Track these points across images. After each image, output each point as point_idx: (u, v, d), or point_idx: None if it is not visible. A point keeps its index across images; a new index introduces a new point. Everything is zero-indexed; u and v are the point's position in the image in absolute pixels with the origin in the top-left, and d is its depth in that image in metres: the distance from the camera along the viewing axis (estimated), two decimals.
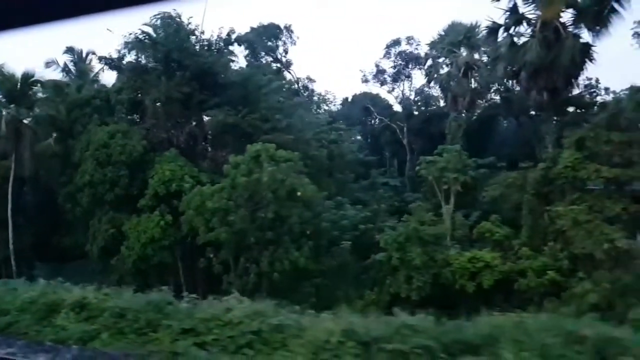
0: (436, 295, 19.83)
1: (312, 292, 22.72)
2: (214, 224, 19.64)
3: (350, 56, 77.35)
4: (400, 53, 52.04)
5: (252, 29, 43.85)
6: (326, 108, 50.35)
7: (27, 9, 1.80)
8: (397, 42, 51.48)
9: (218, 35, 27.10)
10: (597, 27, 20.89)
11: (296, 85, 45.97)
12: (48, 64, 33.84)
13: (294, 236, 22.34)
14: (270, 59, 44.63)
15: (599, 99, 29.83)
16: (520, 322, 6.50)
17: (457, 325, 6.90)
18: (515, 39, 22.93)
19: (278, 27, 44.82)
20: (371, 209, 26.95)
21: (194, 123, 25.31)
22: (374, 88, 56.06)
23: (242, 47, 43.74)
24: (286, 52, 45.82)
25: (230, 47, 29.92)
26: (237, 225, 19.78)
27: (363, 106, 54.85)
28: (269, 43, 45.05)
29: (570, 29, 22.32)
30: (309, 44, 65.71)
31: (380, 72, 53.48)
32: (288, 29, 44.96)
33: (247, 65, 42.14)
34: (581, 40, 22.23)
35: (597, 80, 30.96)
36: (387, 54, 52.27)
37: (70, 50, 35.93)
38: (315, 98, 49.89)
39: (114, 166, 23.43)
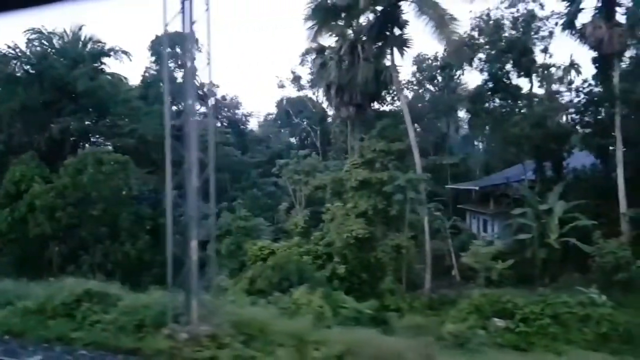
0: (278, 277, 23.38)
1: (151, 281, 26.00)
2: (40, 220, 22.56)
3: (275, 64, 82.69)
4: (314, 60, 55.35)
5: (157, 36, 46.61)
6: (237, 111, 53.51)
7: None
8: (310, 51, 54.87)
9: (80, 49, 29.97)
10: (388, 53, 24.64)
11: (200, 91, 48.80)
12: None
13: (133, 231, 25.46)
14: (175, 65, 47.25)
15: None
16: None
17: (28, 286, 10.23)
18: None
19: (182, 34, 47.23)
20: (219, 207, 30.15)
21: (55, 129, 27.97)
22: (292, 93, 59.03)
23: (149, 54, 46.98)
24: (194, 58, 48.29)
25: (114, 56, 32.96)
26: (64, 221, 22.75)
27: (297, 109, 58.13)
28: (177, 50, 47.53)
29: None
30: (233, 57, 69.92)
31: (296, 78, 56.75)
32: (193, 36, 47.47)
33: (144, 72, 45.05)
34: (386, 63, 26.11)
35: None
36: (303, 62, 55.65)
37: None
38: (227, 102, 52.95)
39: None
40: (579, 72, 30.88)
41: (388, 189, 20.72)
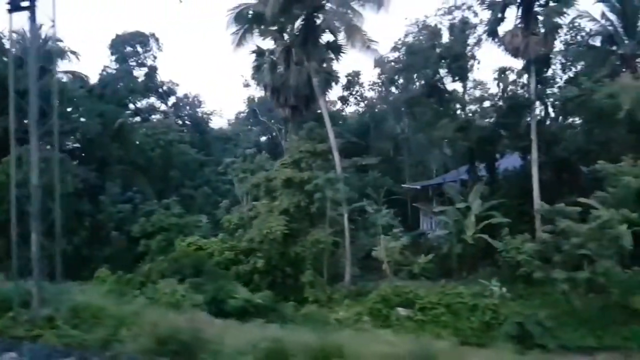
0: (172, 270, 24.40)
1: (88, 276, 26.86)
2: None
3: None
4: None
5: (118, 35, 47.09)
6: (198, 110, 54.18)
7: None
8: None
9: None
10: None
11: (161, 89, 49.70)
12: None
13: (69, 227, 26.24)
14: (135, 64, 47.91)
15: None
16: None
17: None
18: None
19: (143, 34, 48.09)
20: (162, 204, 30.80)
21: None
22: (257, 92, 59.48)
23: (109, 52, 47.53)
24: (155, 57, 49.25)
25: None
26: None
27: (266, 108, 58.93)
28: (138, 49, 48.22)
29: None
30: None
31: None
32: (153, 36, 48.36)
33: (102, 71, 45.51)
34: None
35: None
36: None
37: None
38: (188, 100, 53.64)
39: None
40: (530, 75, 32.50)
41: (309, 187, 21.87)
